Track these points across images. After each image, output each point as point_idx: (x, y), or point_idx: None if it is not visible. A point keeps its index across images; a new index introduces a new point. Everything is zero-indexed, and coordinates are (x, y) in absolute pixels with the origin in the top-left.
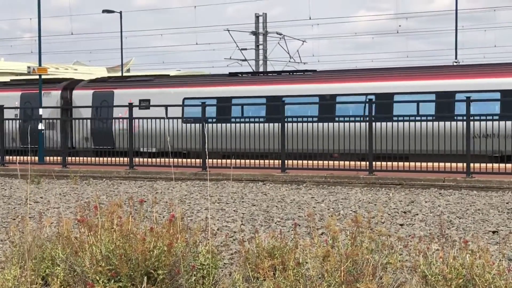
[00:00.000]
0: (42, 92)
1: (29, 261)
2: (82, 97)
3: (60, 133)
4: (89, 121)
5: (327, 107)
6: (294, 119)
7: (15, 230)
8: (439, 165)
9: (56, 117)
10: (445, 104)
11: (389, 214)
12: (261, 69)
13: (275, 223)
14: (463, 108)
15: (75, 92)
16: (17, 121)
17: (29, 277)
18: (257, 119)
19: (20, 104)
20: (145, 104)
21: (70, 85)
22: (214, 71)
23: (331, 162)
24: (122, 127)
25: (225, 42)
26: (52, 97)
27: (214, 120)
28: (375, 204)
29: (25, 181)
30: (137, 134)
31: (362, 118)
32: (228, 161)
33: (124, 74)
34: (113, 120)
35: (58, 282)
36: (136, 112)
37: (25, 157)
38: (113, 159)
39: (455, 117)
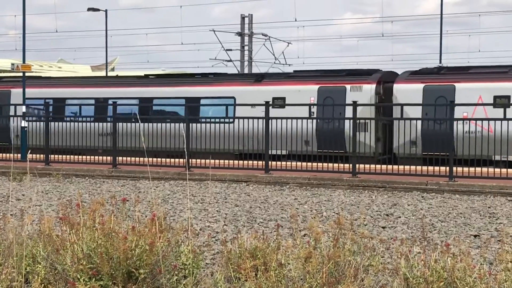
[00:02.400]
0: (349, 86)
1: (10, 259)
2: (407, 92)
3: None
4: (417, 122)
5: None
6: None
7: None
8: (421, 169)
9: (369, 117)
10: None
11: (371, 217)
12: (245, 70)
13: (258, 223)
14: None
15: (397, 86)
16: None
17: (10, 275)
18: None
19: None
20: None
21: (385, 77)
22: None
23: (314, 164)
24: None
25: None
26: (364, 92)
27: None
28: (358, 207)
29: (7, 178)
30: None
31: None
32: (212, 161)
33: (109, 73)
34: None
35: (39, 280)
36: None
37: (8, 155)
38: (96, 158)
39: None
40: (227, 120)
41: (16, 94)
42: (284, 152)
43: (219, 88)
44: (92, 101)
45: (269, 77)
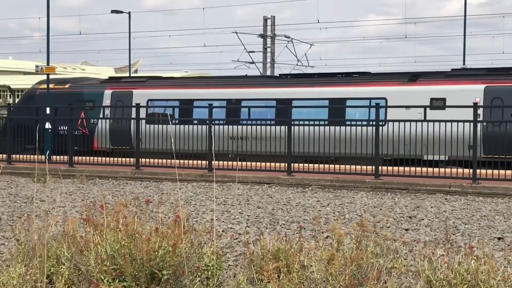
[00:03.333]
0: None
1: (34, 259)
2: None
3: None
4: None
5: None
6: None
7: (21, 228)
8: (445, 171)
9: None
10: None
11: (394, 219)
12: (268, 72)
13: (280, 225)
14: None
15: None
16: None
17: (34, 275)
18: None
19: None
20: None
21: None
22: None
23: (337, 166)
24: None
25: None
26: None
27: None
28: (381, 209)
29: (32, 179)
30: None
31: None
32: (235, 163)
33: (132, 74)
34: None
35: (63, 280)
36: None
37: (32, 156)
38: (119, 159)
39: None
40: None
41: (138, 95)
42: (442, 158)
43: (368, 89)
44: (223, 103)
45: (425, 76)
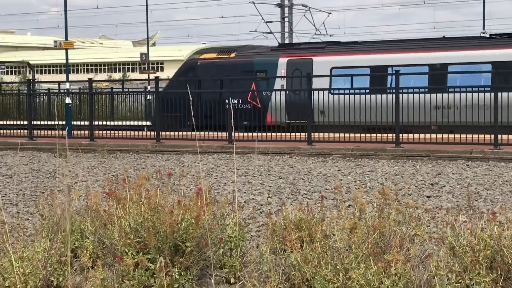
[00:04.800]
0: None
1: (58, 234)
2: None
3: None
4: None
5: None
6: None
7: (44, 203)
8: (466, 137)
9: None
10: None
11: (416, 186)
12: (286, 41)
13: (302, 195)
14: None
15: None
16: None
17: (59, 250)
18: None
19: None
20: None
21: None
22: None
23: (357, 135)
24: None
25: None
26: None
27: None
28: (402, 177)
29: (53, 154)
30: None
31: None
32: (254, 134)
33: (150, 47)
34: None
35: (88, 254)
36: None
37: (53, 131)
38: (140, 133)
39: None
40: None
41: (319, 63)
42: None
43: None
44: (425, 68)
45: None
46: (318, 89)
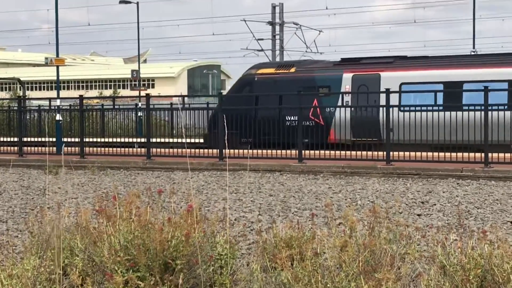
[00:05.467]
0: None
1: (48, 251)
2: None
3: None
4: None
5: None
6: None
7: (34, 220)
8: (456, 155)
9: None
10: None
11: (406, 204)
12: (277, 60)
13: (293, 213)
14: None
15: None
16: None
17: (48, 267)
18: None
19: (352, 87)
20: None
21: None
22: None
23: (348, 152)
24: None
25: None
26: None
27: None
28: (393, 194)
29: (43, 171)
30: None
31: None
32: (246, 151)
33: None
34: None
35: (77, 272)
36: None
37: (43, 148)
38: (130, 150)
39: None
40: None
41: (387, 78)
42: None
43: None
44: (505, 85)
45: None
46: (389, 106)
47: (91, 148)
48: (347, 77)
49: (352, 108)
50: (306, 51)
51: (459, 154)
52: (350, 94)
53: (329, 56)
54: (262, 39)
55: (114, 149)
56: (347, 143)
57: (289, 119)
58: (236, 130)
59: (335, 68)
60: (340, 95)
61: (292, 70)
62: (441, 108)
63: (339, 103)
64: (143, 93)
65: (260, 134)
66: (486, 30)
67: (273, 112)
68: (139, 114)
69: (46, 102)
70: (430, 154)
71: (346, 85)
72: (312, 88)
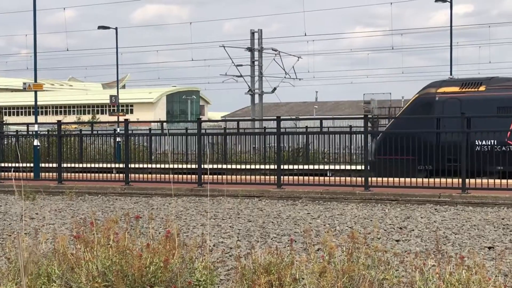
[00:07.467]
0: None
1: (25, 277)
2: None
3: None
4: None
5: None
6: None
7: (11, 246)
8: (434, 181)
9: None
10: None
11: (385, 230)
12: (256, 86)
13: (271, 239)
14: None
15: None
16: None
17: None
18: None
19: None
20: None
21: None
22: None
23: (326, 178)
24: None
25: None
26: None
27: None
28: (371, 220)
29: (21, 197)
30: None
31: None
32: (224, 177)
33: (120, 90)
34: None
35: None
36: None
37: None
38: (109, 175)
39: None
40: None
41: None
42: None
43: None
44: None
45: None
46: None
47: (69, 174)
48: None
49: None
50: (285, 77)
51: (437, 180)
52: None
53: (308, 83)
54: (241, 65)
55: (92, 174)
56: None
57: (479, 143)
58: (412, 156)
59: None
60: None
61: (482, 88)
62: None
63: None
64: (121, 119)
65: (444, 160)
66: (463, 56)
67: (460, 136)
68: (117, 140)
69: (24, 128)
70: (408, 180)
71: None
72: (509, 108)
